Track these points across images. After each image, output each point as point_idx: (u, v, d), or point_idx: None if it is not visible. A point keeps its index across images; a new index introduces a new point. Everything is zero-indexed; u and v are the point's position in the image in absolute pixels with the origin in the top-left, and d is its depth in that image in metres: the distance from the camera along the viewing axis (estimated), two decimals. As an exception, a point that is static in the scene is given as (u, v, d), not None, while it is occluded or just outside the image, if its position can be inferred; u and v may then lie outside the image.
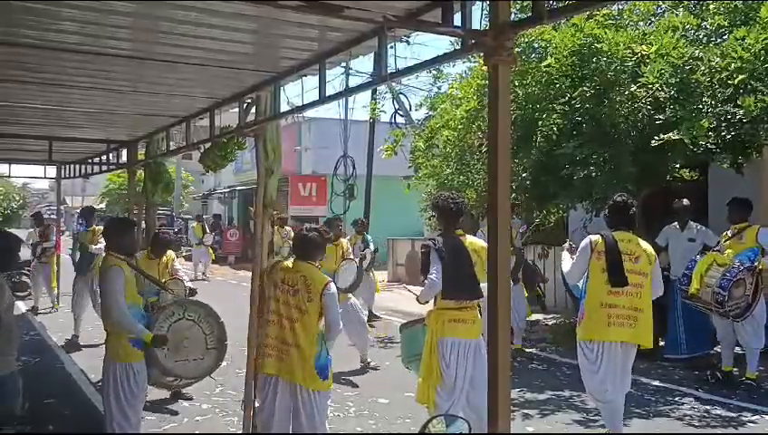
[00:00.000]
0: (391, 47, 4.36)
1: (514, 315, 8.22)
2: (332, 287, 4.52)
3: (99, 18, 3.98)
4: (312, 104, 4.97)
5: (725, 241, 7.05)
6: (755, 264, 6.62)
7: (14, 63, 5.07)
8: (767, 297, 6.88)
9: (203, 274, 19.12)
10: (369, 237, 11.04)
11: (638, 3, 8.83)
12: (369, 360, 8.22)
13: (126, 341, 4.69)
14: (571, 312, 10.98)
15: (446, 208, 4.93)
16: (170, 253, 7.41)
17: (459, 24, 3.38)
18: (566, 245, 6.02)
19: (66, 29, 4.19)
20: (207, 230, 20.41)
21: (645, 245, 5.14)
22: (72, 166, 12.50)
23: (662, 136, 7.06)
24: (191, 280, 8.10)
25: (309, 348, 4.42)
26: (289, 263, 4.72)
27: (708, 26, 8.03)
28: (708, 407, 6.41)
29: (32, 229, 13.41)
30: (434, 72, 11.27)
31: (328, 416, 6.06)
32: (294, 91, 11.14)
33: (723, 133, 7.07)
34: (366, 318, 8.92)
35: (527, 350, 9.01)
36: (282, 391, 4.52)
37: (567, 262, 5.54)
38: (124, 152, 9.98)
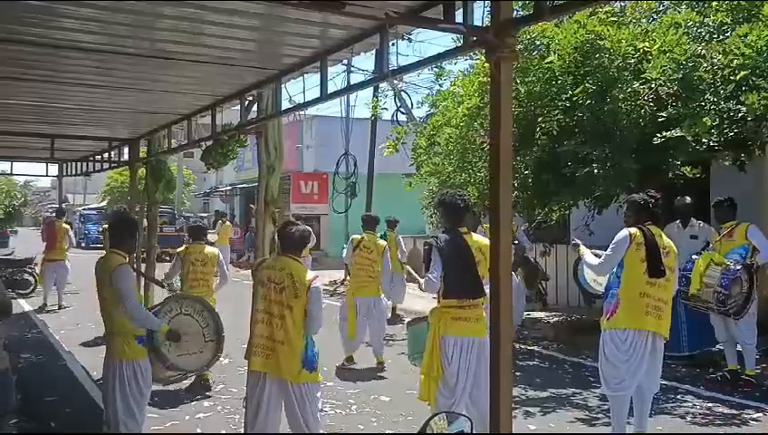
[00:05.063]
0: (393, 44, 4.34)
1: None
2: (318, 283, 4.50)
3: (102, 16, 3.98)
4: (314, 102, 4.98)
5: (717, 240, 7.09)
6: (748, 261, 6.65)
7: (16, 61, 5.07)
8: (759, 294, 6.90)
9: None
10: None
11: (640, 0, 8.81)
12: (383, 360, 8.11)
13: (132, 338, 4.66)
14: (574, 309, 10.99)
15: (452, 205, 4.91)
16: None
17: (461, 21, 3.38)
18: (579, 241, 6.02)
19: (69, 27, 4.20)
20: (233, 231, 20.64)
21: (669, 241, 5.21)
22: (73, 163, 12.52)
23: (664, 133, 7.04)
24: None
25: (297, 343, 4.42)
26: (273, 260, 4.70)
27: (711, 23, 8.00)
28: (710, 404, 6.40)
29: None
30: (435, 69, 11.24)
31: (328, 412, 6.08)
32: (296, 89, 11.14)
33: (725, 131, 7.05)
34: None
35: (529, 348, 9.01)
36: (270, 387, 4.50)
37: (590, 256, 5.53)
38: (126, 150, 10.00)
